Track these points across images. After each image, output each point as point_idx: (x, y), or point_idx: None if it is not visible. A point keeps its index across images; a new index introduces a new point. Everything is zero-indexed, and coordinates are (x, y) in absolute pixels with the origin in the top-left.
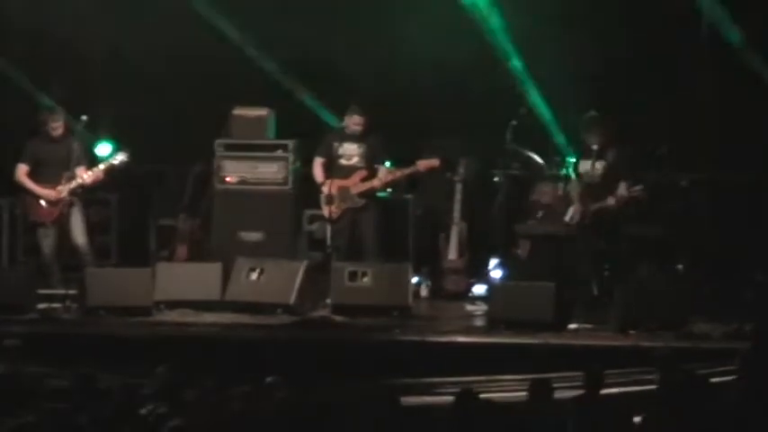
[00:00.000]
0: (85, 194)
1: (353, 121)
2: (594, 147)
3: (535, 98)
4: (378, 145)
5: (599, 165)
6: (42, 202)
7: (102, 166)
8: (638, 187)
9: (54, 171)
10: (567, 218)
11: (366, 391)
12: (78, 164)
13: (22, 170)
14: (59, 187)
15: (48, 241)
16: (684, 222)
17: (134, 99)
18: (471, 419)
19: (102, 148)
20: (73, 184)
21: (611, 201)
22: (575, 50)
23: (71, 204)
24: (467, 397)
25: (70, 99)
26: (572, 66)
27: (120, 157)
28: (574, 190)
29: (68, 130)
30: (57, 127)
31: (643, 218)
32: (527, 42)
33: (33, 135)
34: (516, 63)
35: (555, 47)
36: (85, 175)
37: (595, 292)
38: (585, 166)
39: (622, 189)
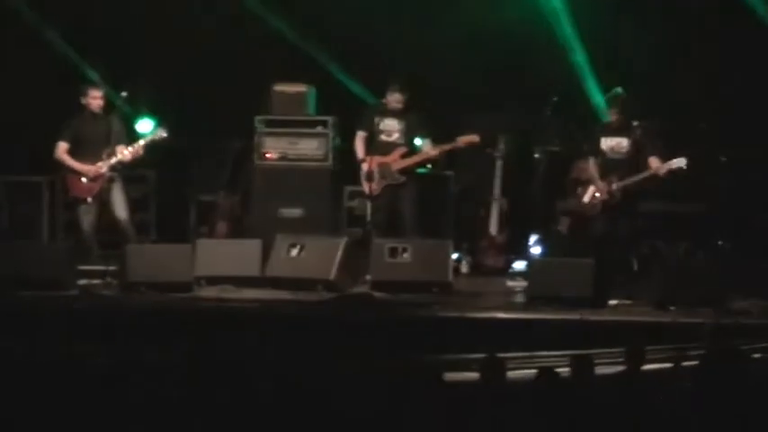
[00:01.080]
0: (125, 171)
1: (394, 99)
2: (620, 123)
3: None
4: (418, 121)
5: (624, 141)
6: (83, 179)
7: (141, 142)
8: (678, 159)
9: (94, 148)
10: (585, 198)
11: (409, 366)
12: (119, 140)
13: (61, 148)
14: (99, 163)
15: (88, 218)
16: (725, 198)
17: (174, 75)
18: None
19: (143, 125)
20: (113, 161)
21: (657, 170)
22: (615, 29)
23: (111, 180)
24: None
25: (110, 75)
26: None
27: (159, 133)
28: (593, 168)
29: (109, 107)
30: (96, 97)
31: (683, 194)
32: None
33: (73, 113)
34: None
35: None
36: (126, 152)
37: (635, 268)
38: (610, 142)
39: (655, 163)
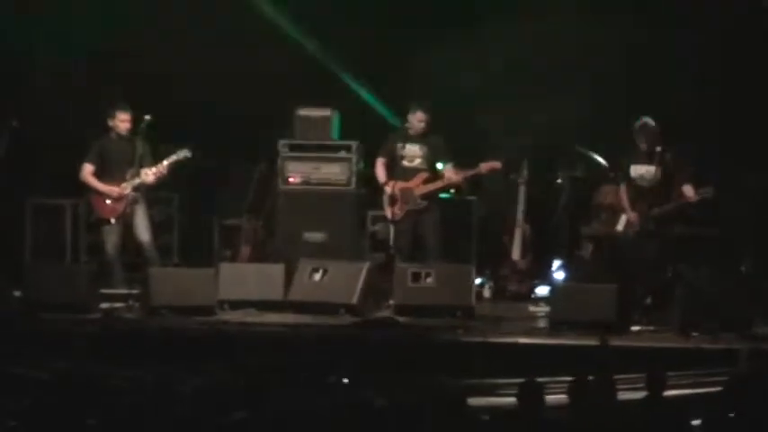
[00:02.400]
0: (149, 193)
1: (417, 118)
2: (649, 151)
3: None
4: (440, 146)
5: (653, 168)
6: (107, 200)
7: (165, 163)
8: (706, 189)
9: (118, 169)
10: (619, 226)
11: (433, 391)
12: (143, 163)
13: (87, 170)
14: (123, 184)
15: (112, 239)
16: (747, 222)
17: (198, 98)
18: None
19: (166, 149)
20: (137, 182)
21: (690, 197)
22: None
23: (135, 202)
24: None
25: (132, 100)
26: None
27: (183, 154)
28: (623, 196)
29: (134, 128)
30: (125, 120)
31: (705, 219)
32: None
33: (99, 135)
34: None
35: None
36: (150, 173)
37: (657, 293)
38: (640, 170)
39: (689, 191)
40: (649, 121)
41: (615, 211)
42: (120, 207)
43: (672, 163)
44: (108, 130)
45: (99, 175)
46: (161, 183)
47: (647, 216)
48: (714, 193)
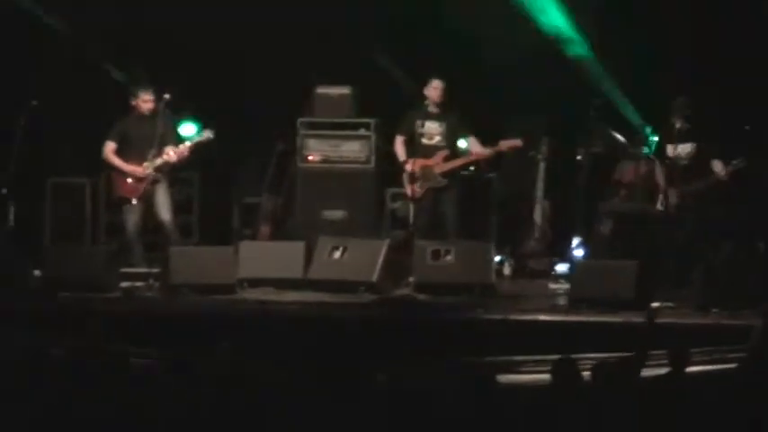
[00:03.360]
0: (170, 173)
1: (433, 86)
2: (684, 129)
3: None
4: (459, 122)
5: (690, 146)
6: (128, 179)
7: (187, 144)
8: (738, 160)
9: (141, 148)
10: (659, 205)
11: (462, 369)
12: (166, 142)
13: (109, 147)
14: (145, 164)
15: (132, 218)
16: (765, 201)
17: (217, 77)
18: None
19: (186, 128)
20: (159, 162)
21: (720, 174)
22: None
23: (156, 182)
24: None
25: (152, 78)
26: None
27: (205, 134)
28: (660, 174)
29: (156, 108)
30: (147, 100)
31: (723, 197)
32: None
33: (122, 114)
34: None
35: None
36: (171, 153)
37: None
38: (675, 148)
39: (718, 167)
40: (686, 98)
41: (635, 188)
42: (142, 187)
43: (705, 141)
44: (131, 109)
45: (121, 154)
46: (183, 163)
47: (684, 193)
48: (745, 162)
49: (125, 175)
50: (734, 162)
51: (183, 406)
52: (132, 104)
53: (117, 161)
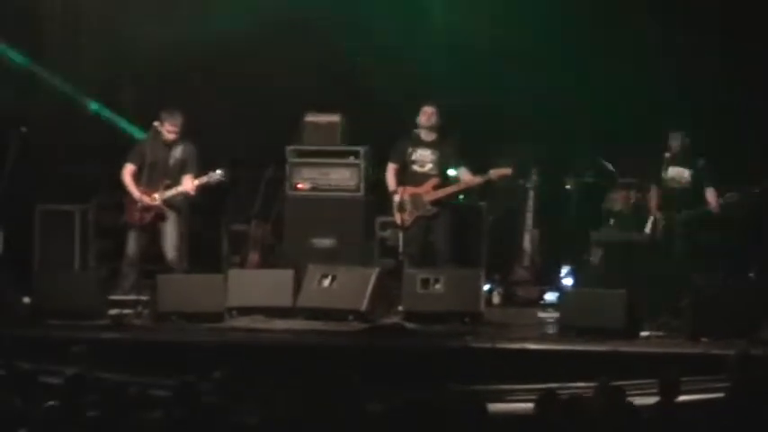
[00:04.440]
0: (180, 205)
1: (425, 113)
2: (682, 155)
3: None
4: (451, 151)
5: (687, 173)
6: (137, 206)
7: (197, 182)
8: (731, 194)
9: (156, 176)
10: (647, 229)
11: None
12: (184, 170)
13: (128, 169)
14: (156, 194)
15: (133, 245)
16: (756, 229)
17: (206, 103)
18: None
19: None
20: (170, 193)
21: (712, 205)
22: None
23: (163, 217)
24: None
25: (142, 103)
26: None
27: (216, 177)
28: (653, 199)
29: (178, 138)
30: (172, 131)
31: (715, 225)
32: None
33: (145, 137)
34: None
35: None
36: (185, 186)
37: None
38: (672, 172)
39: (711, 196)
40: (683, 132)
41: (625, 217)
42: (148, 217)
43: (702, 168)
44: (156, 133)
45: (138, 178)
46: (189, 199)
47: (675, 220)
48: (738, 197)
49: (135, 200)
50: (727, 195)
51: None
52: (157, 129)
53: (131, 185)
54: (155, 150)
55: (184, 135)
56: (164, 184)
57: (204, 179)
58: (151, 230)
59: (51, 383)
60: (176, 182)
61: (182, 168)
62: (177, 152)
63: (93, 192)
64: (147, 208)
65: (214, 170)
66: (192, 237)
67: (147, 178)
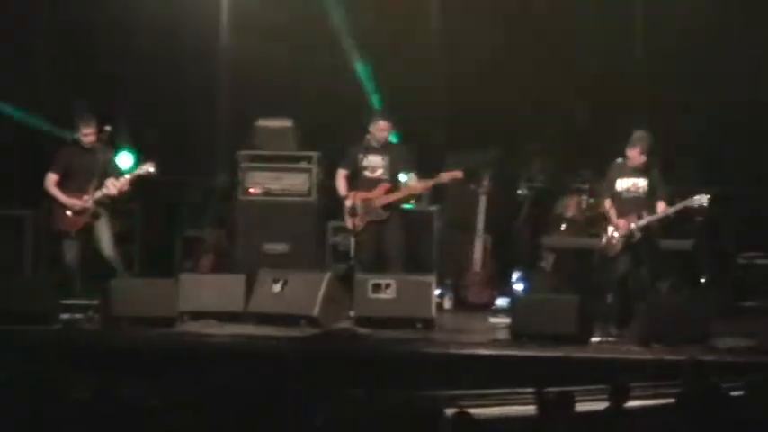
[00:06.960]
0: (111, 205)
1: (378, 128)
2: (638, 164)
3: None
4: (402, 156)
5: (642, 181)
6: (68, 212)
7: (128, 177)
8: (699, 197)
9: (82, 180)
10: (603, 240)
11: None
12: (106, 174)
13: (51, 179)
14: (86, 197)
15: (71, 251)
16: (707, 235)
17: (158, 109)
18: None
19: (124, 159)
20: (99, 194)
21: (664, 212)
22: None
23: (97, 216)
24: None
25: (93, 111)
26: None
27: (146, 168)
28: (609, 207)
29: (99, 140)
30: (88, 134)
31: (666, 232)
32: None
33: (64, 144)
34: None
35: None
36: (112, 186)
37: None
38: (626, 183)
39: (662, 206)
40: (645, 133)
41: (576, 223)
42: (82, 221)
43: (656, 177)
44: (74, 140)
45: (62, 184)
46: (124, 196)
47: (632, 227)
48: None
49: (65, 207)
50: (689, 200)
51: None
52: (75, 137)
53: (58, 193)
54: (76, 157)
55: (100, 141)
56: (92, 186)
57: (136, 172)
58: (86, 234)
59: None
60: (102, 185)
61: (104, 172)
62: (98, 156)
63: (45, 196)
64: (81, 211)
65: (144, 162)
66: (145, 241)
67: (73, 185)
